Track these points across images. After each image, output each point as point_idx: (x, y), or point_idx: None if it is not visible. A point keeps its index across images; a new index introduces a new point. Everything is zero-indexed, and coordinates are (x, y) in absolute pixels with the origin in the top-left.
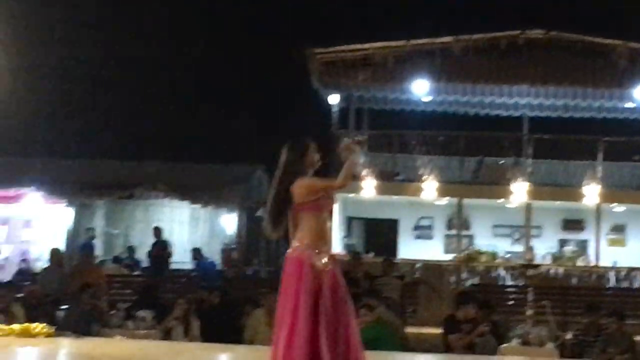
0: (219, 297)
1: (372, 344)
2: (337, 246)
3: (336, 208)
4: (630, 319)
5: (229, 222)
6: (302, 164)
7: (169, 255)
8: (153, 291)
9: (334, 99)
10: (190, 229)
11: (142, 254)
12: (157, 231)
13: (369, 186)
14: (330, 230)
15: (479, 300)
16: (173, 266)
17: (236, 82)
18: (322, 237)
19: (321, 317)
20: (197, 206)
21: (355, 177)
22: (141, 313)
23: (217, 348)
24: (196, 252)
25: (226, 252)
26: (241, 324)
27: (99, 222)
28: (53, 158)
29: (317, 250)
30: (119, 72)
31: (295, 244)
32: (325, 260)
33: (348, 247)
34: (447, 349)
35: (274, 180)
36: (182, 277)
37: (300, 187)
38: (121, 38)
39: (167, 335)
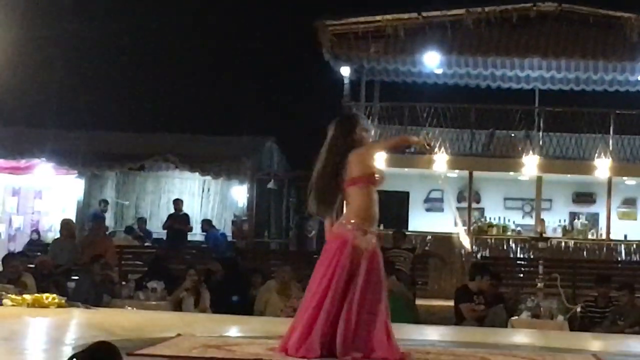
0: (230, 268)
1: None
2: None
3: None
4: None
5: (240, 193)
6: (350, 141)
7: (190, 230)
8: (163, 262)
9: (345, 71)
10: (201, 200)
11: (152, 226)
12: (178, 204)
13: (379, 158)
14: (377, 207)
15: (492, 272)
16: None
17: (247, 53)
18: (369, 216)
19: (349, 297)
20: (208, 177)
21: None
22: (152, 284)
23: (227, 319)
24: (206, 224)
25: (237, 223)
26: (252, 295)
27: (109, 193)
28: (64, 129)
29: (363, 230)
30: (130, 44)
31: (342, 220)
32: (369, 241)
33: None
34: (458, 318)
35: (320, 156)
36: (193, 249)
37: (356, 158)
38: (133, 8)
39: (177, 306)
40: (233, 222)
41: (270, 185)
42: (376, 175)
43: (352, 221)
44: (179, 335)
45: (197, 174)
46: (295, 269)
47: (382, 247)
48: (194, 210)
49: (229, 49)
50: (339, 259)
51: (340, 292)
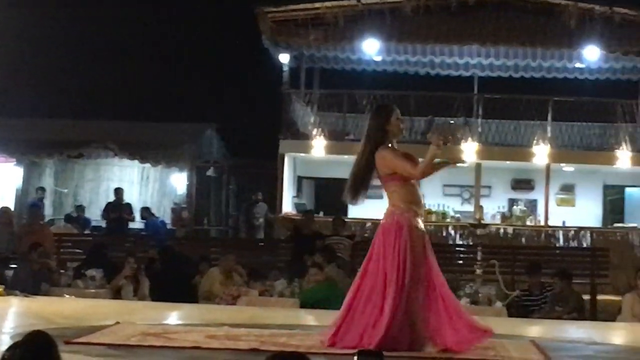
0: (168, 256)
1: (322, 303)
2: (287, 206)
3: (286, 168)
4: (579, 278)
5: (179, 181)
6: (385, 132)
7: (133, 219)
8: (102, 250)
9: (284, 58)
10: (140, 188)
11: (91, 214)
12: (119, 192)
13: (319, 145)
14: (421, 194)
15: None
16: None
17: (187, 40)
18: (415, 201)
19: (425, 277)
20: (147, 165)
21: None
22: (91, 272)
23: (167, 307)
24: (146, 211)
25: (176, 211)
26: (194, 283)
27: (48, 181)
28: (1, 116)
29: (414, 212)
30: (69, 30)
31: (389, 209)
32: (422, 223)
33: (298, 207)
34: None
35: (360, 147)
36: (132, 236)
37: (382, 159)
38: None
39: (116, 294)
40: (172, 210)
41: (210, 172)
42: (405, 173)
43: (401, 206)
44: (117, 323)
45: (136, 161)
46: (239, 257)
47: (322, 234)
48: (133, 197)
49: (169, 36)
50: (402, 245)
51: (417, 272)
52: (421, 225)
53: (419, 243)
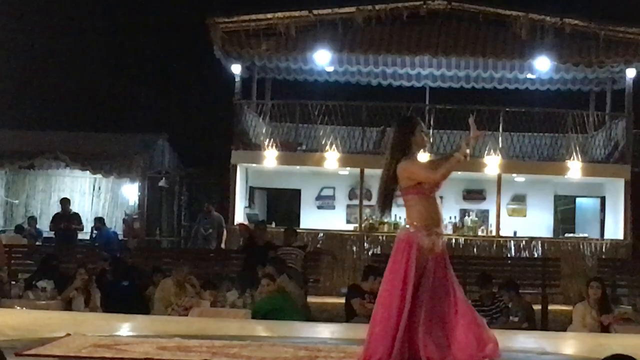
0: (122, 267)
1: (274, 313)
2: (239, 217)
3: (238, 178)
4: (530, 288)
5: (131, 192)
6: (410, 144)
7: (82, 229)
8: (53, 261)
9: (236, 68)
10: (92, 198)
11: (42, 225)
12: (66, 203)
13: (271, 156)
14: (440, 210)
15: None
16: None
17: (139, 51)
18: (432, 218)
19: (421, 298)
20: (99, 176)
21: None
22: (42, 283)
23: (118, 318)
24: (99, 222)
25: (128, 222)
26: (147, 294)
27: None
28: None
29: (427, 232)
30: (19, 40)
31: (406, 225)
32: (434, 241)
33: (250, 217)
34: (349, 315)
35: (385, 160)
36: (84, 248)
37: (403, 172)
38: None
39: (67, 306)
40: (124, 221)
41: (162, 183)
42: (425, 187)
43: (415, 224)
44: (68, 335)
45: (87, 172)
46: (191, 267)
47: (274, 245)
48: (85, 208)
49: (121, 46)
50: (408, 264)
51: (413, 294)
52: (430, 244)
53: (420, 263)
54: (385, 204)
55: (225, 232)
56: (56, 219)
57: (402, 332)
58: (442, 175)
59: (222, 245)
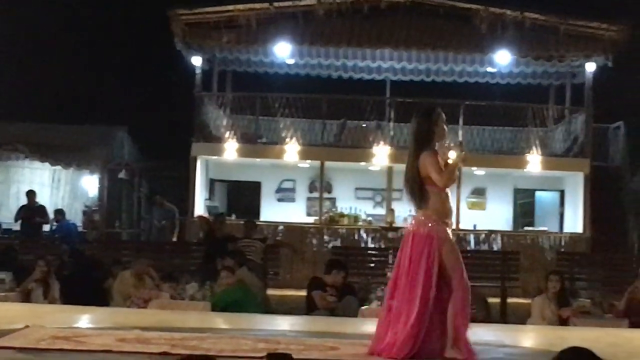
0: (81, 259)
1: (233, 306)
2: (200, 209)
3: (198, 170)
4: (489, 281)
5: (91, 183)
6: (432, 134)
7: (47, 222)
8: (12, 253)
9: (197, 60)
10: (52, 190)
11: (1, 216)
12: (31, 195)
13: (231, 148)
14: (450, 206)
15: (347, 269)
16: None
17: (99, 42)
18: (446, 211)
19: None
20: (58, 167)
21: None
22: (0, 275)
23: (78, 310)
24: (59, 214)
25: (87, 214)
26: (106, 286)
27: None
28: None
29: (443, 223)
30: None
31: (420, 217)
32: (449, 234)
33: (210, 210)
34: (309, 308)
35: (409, 151)
36: (43, 239)
37: (423, 162)
38: None
39: (26, 298)
40: (84, 213)
41: (122, 175)
42: (439, 182)
43: (433, 217)
44: (27, 326)
45: (47, 164)
46: (150, 260)
47: (234, 237)
48: (44, 200)
49: (81, 37)
50: (430, 259)
51: (436, 286)
52: (450, 235)
53: (448, 255)
54: (414, 195)
55: (178, 224)
56: (22, 210)
57: (427, 325)
58: (444, 185)
59: (175, 238)
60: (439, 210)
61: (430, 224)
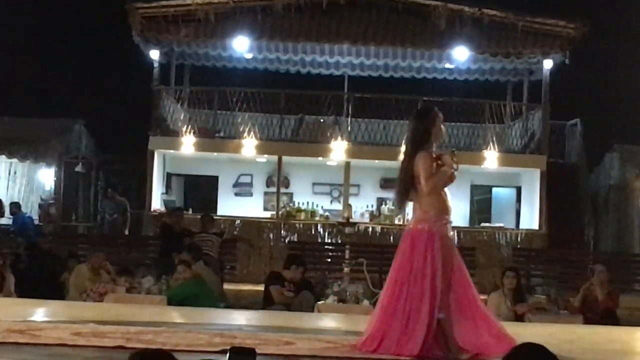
0: (37, 252)
1: (189, 300)
2: (156, 203)
3: (155, 164)
4: None
5: (47, 176)
6: (429, 135)
7: (2, 214)
8: None
9: (154, 54)
10: (8, 183)
11: None
12: None
13: (188, 142)
14: (449, 203)
15: (306, 264)
16: None
17: (57, 35)
18: (445, 209)
19: (456, 285)
20: (15, 160)
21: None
22: None
23: (33, 303)
24: (15, 207)
25: (44, 207)
26: (62, 279)
27: None
28: None
29: (443, 222)
30: None
31: (419, 214)
32: (450, 231)
33: (167, 204)
34: (266, 302)
35: (404, 149)
36: None
37: (416, 163)
38: None
39: None
40: (40, 206)
41: (79, 168)
42: (424, 186)
43: (431, 214)
44: None
45: (3, 156)
46: (107, 253)
47: (190, 231)
48: (0, 193)
49: (38, 29)
50: (434, 256)
51: (446, 283)
52: (450, 232)
53: (449, 252)
54: (404, 195)
55: (129, 217)
56: None
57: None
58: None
59: (127, 231)
60: (437, 205)
61: (431, 221)
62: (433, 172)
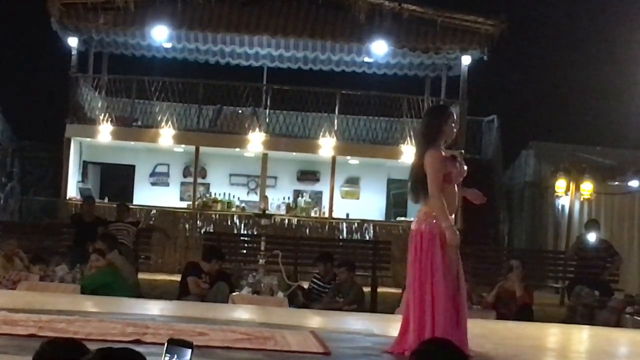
0: None
1: (103, 289)
2: (72, 191)
3: (72, 152)
4: (361, 270)
5: None
6: (441, 132)
7: None
8: None
9: (73, 41)
10: None
11: None
12: None
13: (105, 131)
14: (458, 201)
15: (224, 257)
16: None
17: None
18: (450, 209)
19: (459, 285)
20: None
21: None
22: None
23: None
24: None
25: None
26: None
27: None
28: None
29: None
30: None
31: (423, 212)
32: (455, 232)
33: (83, 192)
34: (182, 292)
35: (415, 146)
36: None
37: (427, 160)
38: None
39: None
40: None
41: None
42: (451, 175)
43: (434, 213)
44: None
45: None
46: (20, 241)
47: (104, 220)
48: None
49: None
50: (436, 256)
51: (453, 283)
52: (456, 235)
53: (453, 251)
54: (416, 190)
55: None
56: None
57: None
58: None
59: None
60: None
61: (430, 222)
62: (442, 172)
